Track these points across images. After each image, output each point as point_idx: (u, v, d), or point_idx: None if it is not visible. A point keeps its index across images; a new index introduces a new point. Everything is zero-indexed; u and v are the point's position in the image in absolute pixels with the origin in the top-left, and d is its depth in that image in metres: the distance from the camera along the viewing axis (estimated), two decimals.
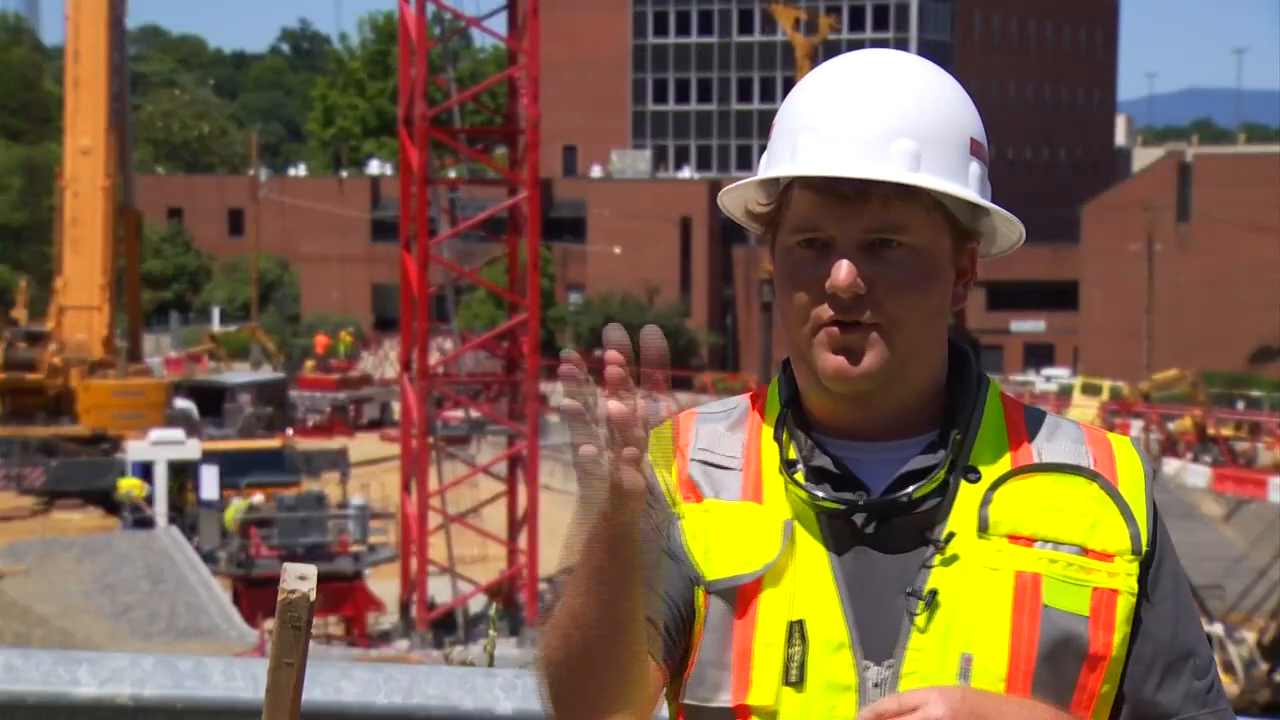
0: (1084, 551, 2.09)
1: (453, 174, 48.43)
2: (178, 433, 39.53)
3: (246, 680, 4.15)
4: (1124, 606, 2.10)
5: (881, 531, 2.10)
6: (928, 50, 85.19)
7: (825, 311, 2.08)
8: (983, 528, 2.09)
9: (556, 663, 2.04)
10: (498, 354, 36.32)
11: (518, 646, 27.64)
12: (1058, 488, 2.12)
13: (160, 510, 36.88)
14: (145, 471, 37.22)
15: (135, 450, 37.90)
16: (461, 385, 36.65)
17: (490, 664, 4.88)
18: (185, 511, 36.65)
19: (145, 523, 35.91)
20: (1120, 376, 62.44)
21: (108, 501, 38.73)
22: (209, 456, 37.59)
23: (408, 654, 29.22)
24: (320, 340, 67.43)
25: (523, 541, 32.74)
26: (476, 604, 33.09)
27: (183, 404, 45.83)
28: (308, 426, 54.34)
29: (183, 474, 37.20)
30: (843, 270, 2.06)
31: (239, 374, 58.53)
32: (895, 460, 2.12)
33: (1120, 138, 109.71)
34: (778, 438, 2.16)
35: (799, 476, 2.12)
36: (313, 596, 2.06)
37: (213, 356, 65.80)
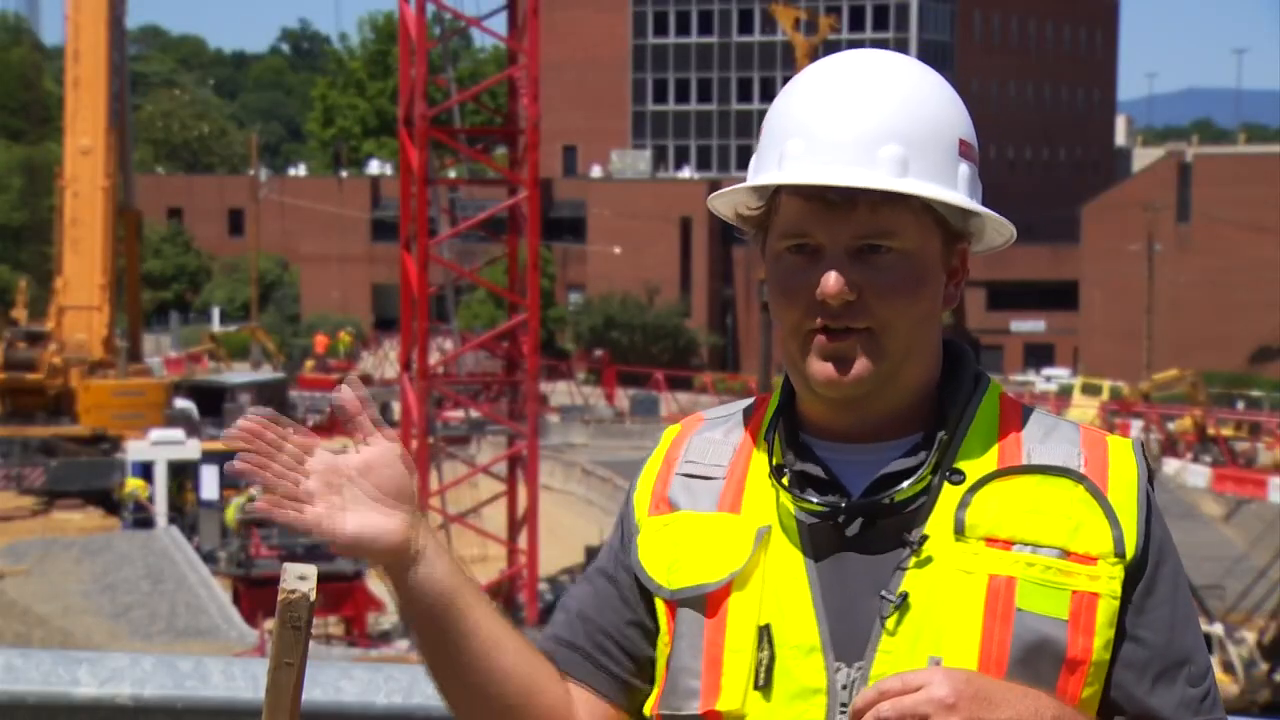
0: (1065, 554, 2.07)
1: (453, 174, 48.42)
2: (178, 433, 39.52)
3: (246, 680, 4.15)
4: (1105, 610, 2.08)
5: (865, 534, 2.10)
6: (928, 50, 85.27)
7: (816, 319, 2.08)
8: (959, 530, 2.08)
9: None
10: (498, 354, 36.30)
11: None
12: (1042, 489, 2.10)
13: (160, 510, 36.88)
14: (145, 471, 37.22)
15: (135, 450, 37.89)
16: (461, 385, 36.64)
17: None
18: (185, 511, 36.65)
19: (145, 523, 35.90)
20: (1120, 376, 62.44)
21: (108, 501, 38.73)
22: (209, 456, 37.56)
23: (408, 654, 29.20)
24: (320, 340, 67.47)
25: (523, 541, 32.73)
26: None
27: (183, 404, 45.82)
28: (308, 426, 54.28)
29: (183, 474, 37.19)
30: (831, 280, 2.06)
31: (239, 374, 58.54)
32: (878, 462, 2.12)
33: (1120, 138, 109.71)
34: (768, 440, 2.17)
35: (785, 481, 2.13)
36: (313, 596, 2.06)
37: (213, 356, 65.81)
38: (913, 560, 2.07)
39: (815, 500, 2.10)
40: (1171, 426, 52.63)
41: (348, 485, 2.10)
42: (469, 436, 37.89)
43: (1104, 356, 71.17)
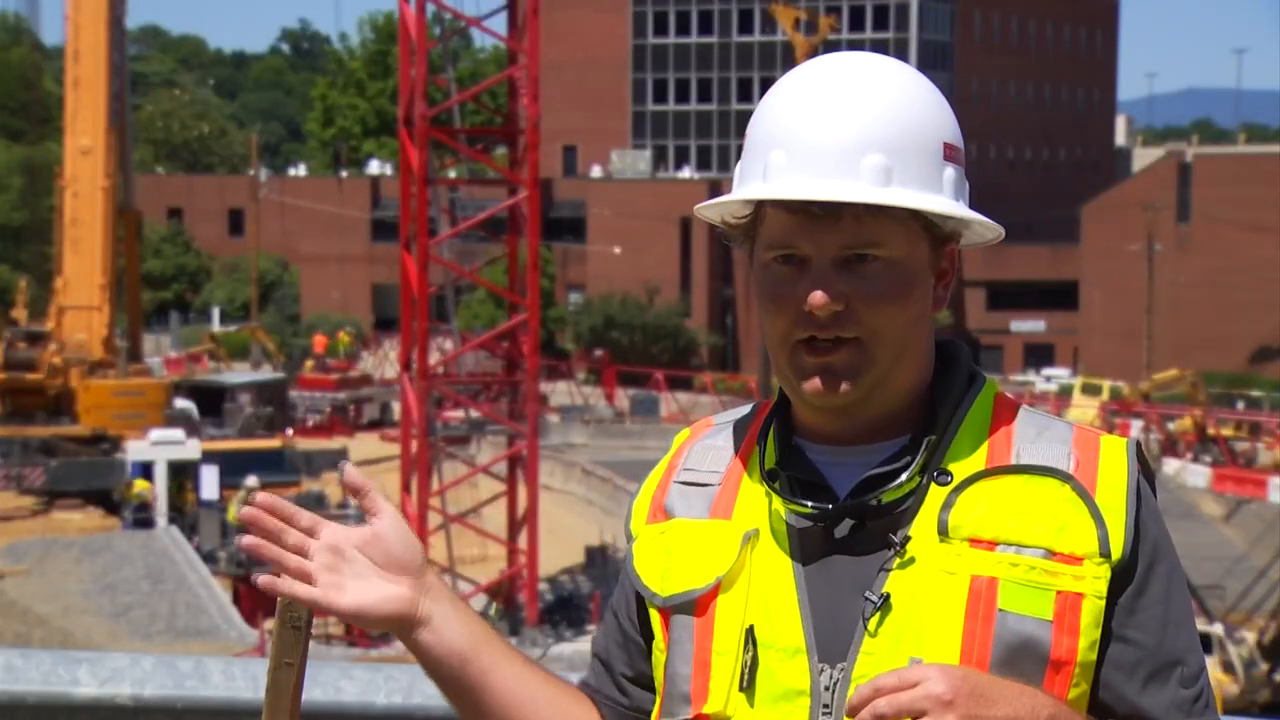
0: (1050, 554, 2.06)
1: (453, 174, 48.42)
2: (178, 433, 39.52)
3: (246, 680, 4.15)
4: (1090, 610, 2.07)
5: (853, 536, 2.10)
6: (928, 50, 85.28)
7: (803, 330, 2.09)
8: (942, 531, 2.08)
9: None
10: (498, 354, 36.30)
11: (518, 646, 27.63)
12: (1028, 490, 2.10)
13: (160, 510, 36.88)
14: (145, 471, 37.21)
15: (135, 450, 37.89)
16: (461, 385, 36.64)
17: None
18: (185, 511, 36.64)
19: (145, 523, 35.91)
20: (1120, 376, 62.44)
21: (108, 501, 38.73)
22: (209, 456, 37.58)
23: (408, 654, 29.19)
24: (319, 340, 67.44)
25: (523, 541, 32.72)
26: (476, 604, 33.07)
27: (183, 404, 45.82)
28: (308, 426, 54.34)
29: (183, 474, 37.18)
30: (818, 296, 2.06)
31: (239, 374, 58.54)
32: (867, 464, 2.13)
33: (1120, 138, 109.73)
34: (760, 445, 2.18)
35: (776, 485, 2.14)
36: None
37: (213, 356, 65.81)
38: (896, 561, 2.07)
39: (800, 502, 2.11)
40: (1171, 426, 52.63)
41: (351, 561, 2.12)
42: (469, 436, 37.89)
43: (1104, 356, 71.17)
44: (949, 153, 2.13)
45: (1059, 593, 2.06)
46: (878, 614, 2.06)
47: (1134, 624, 2.10)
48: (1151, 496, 2.15)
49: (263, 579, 2.10)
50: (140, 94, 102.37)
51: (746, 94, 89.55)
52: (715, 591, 2.12)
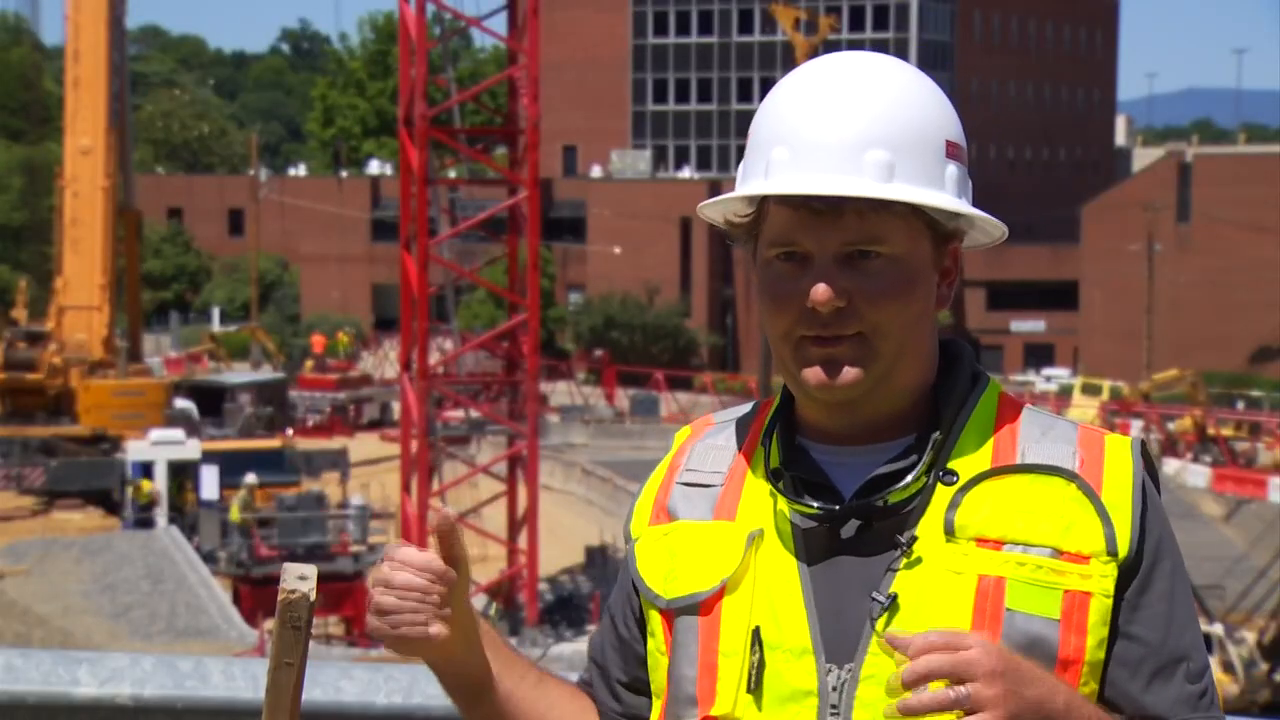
0: (1057, 553, 2.07)
1: (453, 174, 48.43)
2: (178, 433, 39.51)
3: (246, 680, 4.15)
4: (1098, 609, 2.07)
5: (859, 536, 2.10)
6: (928, 50, 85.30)
7: (807, 326, 2.09)
8: (949, 531, 2.08)
9: None
10: (498, 354, 36.30)
11: (518, 646, 27.62)
12: (1034, 489, 2.10)
13: (160, 510, 36.87)
14: (145, 471, 37.21)
15: (135, 450, 37.88)
16: (461, 385, 36.64)
17: None
18: (185, 511, 36.63)
19: (146, 523, 35.91)
20: (1120, 376, 62.44)
21: (108, 501, 38.73)
22: (209, 456, 37.57)
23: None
24: (317, 340, 67.41)
25: (523, 541, 32.72)
26: (477, 604, 32.98)
27: (183, 404, 45.81)
28: (308, 426, 54.34)
29: (183, 474, 37.18)
30: (820, 290, 2.06)
31: (239, 374, 58.53)
32: (875, 464, 2.12)
33: (1120, 138, 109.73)
34: (764, 445, 2.17)
35: (776, 486, 2.13)
36: (313, 596, 2.05)
37: (213, 356, 65.81)
38: (903, 561, 2.07)
39: (808, 503, 2.11)
40: (1171, 426, 52.63)
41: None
42: (469, 436, 37.87)
43: (1104, 356, 71.17)
44: (951, 150, 2.13)
45: (1066, 591, 2.06)
46: (885, 614, 2.06)
47: (1139, 621, 2.11)
48: (1156, 495, 2.15)
49: (384, 630, 2.11)
50: (140, 94, 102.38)
51: (746, 94, 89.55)
52: (721, 593, 2.12)
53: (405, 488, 33.20)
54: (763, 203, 2.13)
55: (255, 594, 30.79)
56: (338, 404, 57.67)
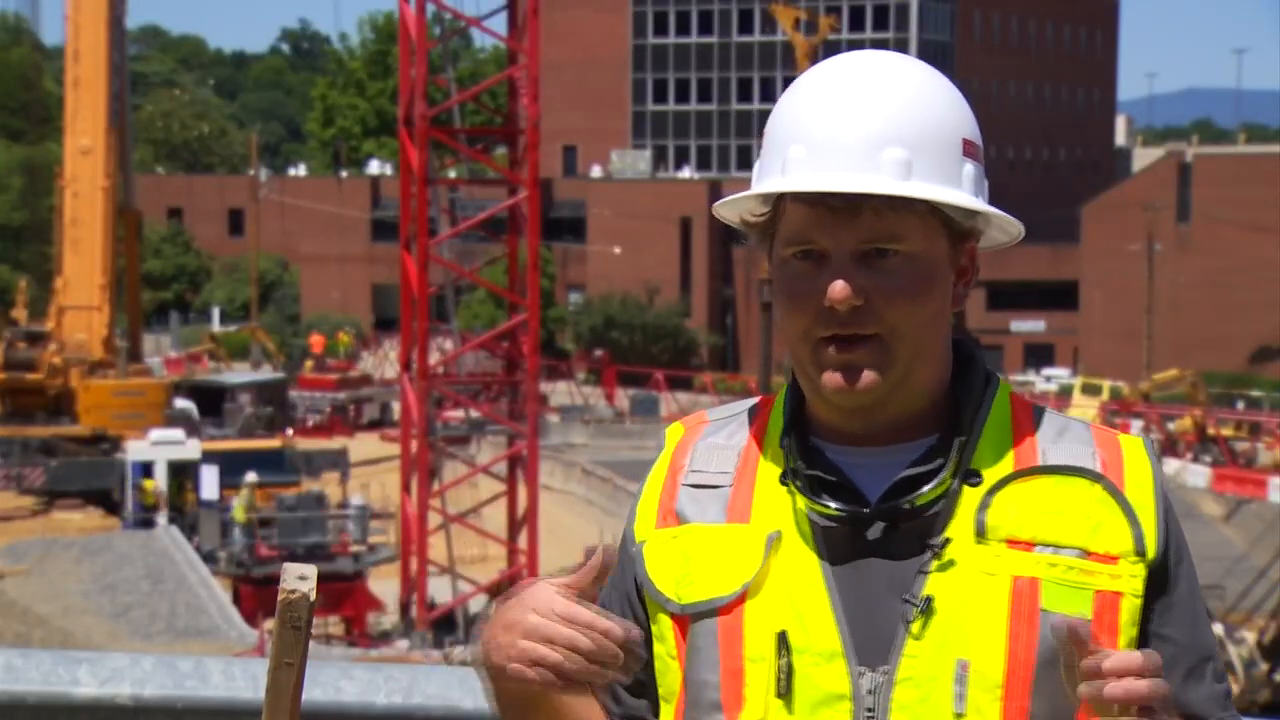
0: (1086, 554, 2.07)
1: (453, 174, 48.43)
2: (178, 433, 39.50)
3: (246, 680, 4.15)
4: (1128, 609, 2.08)
5: (884, 538, 2.09)
6: (928, 50, 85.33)
7: (824, 326, 2.07)
8: (980, 532, 2.07)
9: None
10: (498, 354, 36.30)
11: None
12: (1060, 490, 2.10)
13: (160, 510, 36.86)
14: (145, 471, 37.20)
15: (135, 450, 37.87)
16: (461, 385, 36.63)
17: None
18: (185, 511, 36.63)
19: (146, 523, 35.90)
20: (1120, 376, 62.45)
21: (108, 501, 38.73)
22: (209, 456, 37.56)
23: (408, 654, 29.21)
24: (316, 340, 67.42)
25: (523, 541, 32.72)
26: (477, 604, 33.10)
27: (183, 404, 45.80)
28: (308, 426, 54.34)
29: (183, 474, 37.16)
30: (838, 288, 2.05)
31: (239, 374, 58.53)
32: (896, 465, 2.11)
33: (1120, 138, 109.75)
34: (783, 446, 2.15)
35: (796, 486, 2.12)
36: (313, 596, 2.05)
37: (213, 356, 65.81)
38: (934, 564, 2.07)
39: (834, 506, 2.09)
40: (1171, 426, 52.64)
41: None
42: (469, 436, 37.86)
43: (1104, 356, 71.19)
44: (968, 149, 2.13)
45: (1097, 592, 2.07)
46: (921, 617, 2.05)
47: (1169, 621, 2.12)
48: (1168, 494, 2.17)
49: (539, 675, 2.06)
50: (140, 94, 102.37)
51: (746, 94, 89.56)
52: (743, 597, 2.09)
53: (405, 488, 33.19)
54: (779, 201, 2.13)
55: (255, 594, 30.79)
56: (338, 404, 57.68)
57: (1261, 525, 42.08)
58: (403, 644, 31.26)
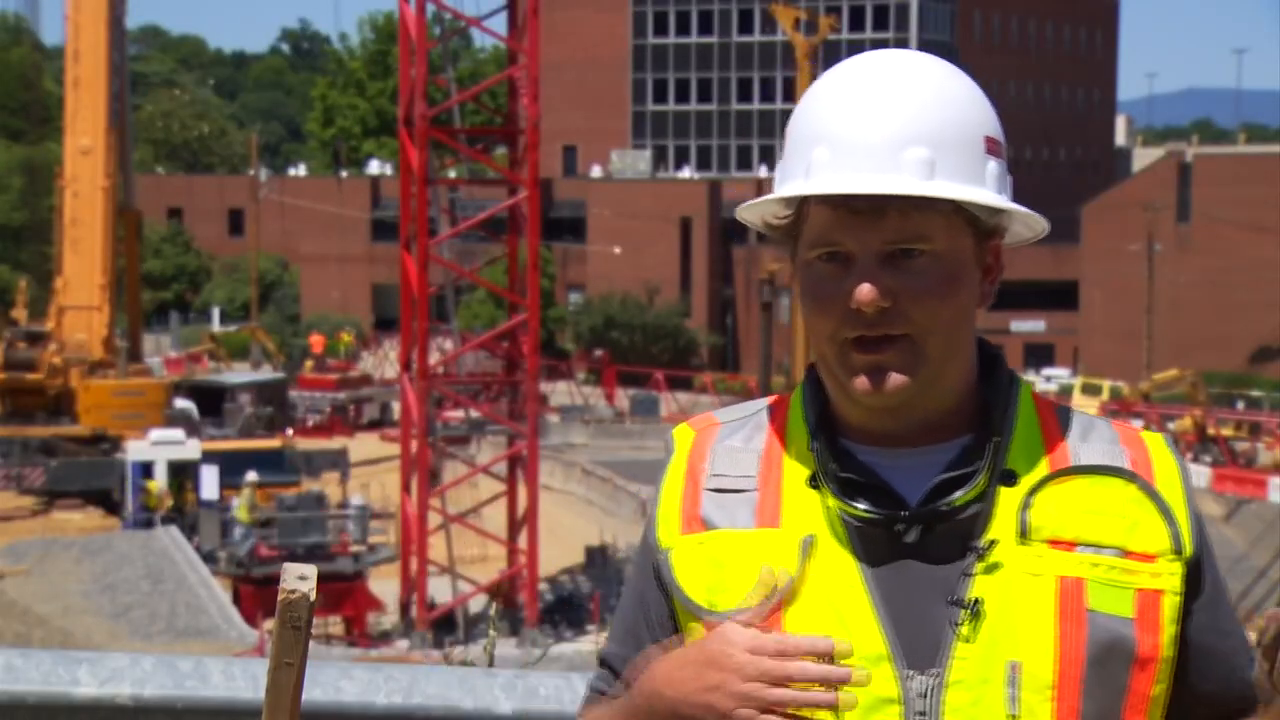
0: (1125, 554, 2.08)
1: (453, 174, 48.44)
2: (178, 433, 39.49)
3: (246, 680, 4.15)
4: (1169, 607, 2.09)
5: (923, 540, 2.08)
6: (927, 50, 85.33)
7: (851, 327, 2.06)
8: (1023, 533, 2.07)
9: None
10: (498, 354, 36.33)
11: (518, 646, 27.66)
12: (1096, 490, 2.11)
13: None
14: (145, 471, 37.19)
15: (135, 450, 37.87)
16: (461, 385, 36.65)
17: (490, 664, 4.88)
18: (185, 511, 36.62)
19: (146, 523, 35.89)
20: (1120, 376, 62.46)
21: (108, 501, 38.72)
22: (209, 456, 37.55)
23: (408, 654, 29.21)
24: (316, 340, 67.41)
25: (523, 541, 32.74)
26: (476, 604, 33.10)
27: (183, 404, 45.78)
28: (308, 426, 54.33)
29: (183, 474, 37.16)
30: (864, 290, 2.04)
31: (239, 374, 58.53)
32: (930, 466, 2.10)
33: (1120, 138, 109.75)
34: (812, 449, 2.13)
35: (830, 490, 2.10)
36: (313, 596, 2.05)
37: (213, 356, 65.81)
38: (979, 565, 2.06)
39: (870, 508, 2.08)
40: (1171, 426, 52.63)
41: None
42: (469, 436, 37.89)
43: (1104, 356, 71.19)
44: (991, 146, 2.12)
45: (1138, 590, 2.08)
46: (970, 619, 2.04)
47: (1221, 615, 2.18)
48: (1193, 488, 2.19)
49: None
50: (140, 94, 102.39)
51: (746, 94, 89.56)
52: (780, 604, 2.07)
53: (405, 488, 33.21)
54: (802, 204, 2.12)
55: (255, 594, 30.78)
56: (338, 404, 57.68)
57: (1261, 525, 42.08)
58: (403, 644, 31.27)
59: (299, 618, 2.05)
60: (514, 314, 34.03)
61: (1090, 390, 56.96)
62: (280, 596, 2.04)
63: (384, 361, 66.08)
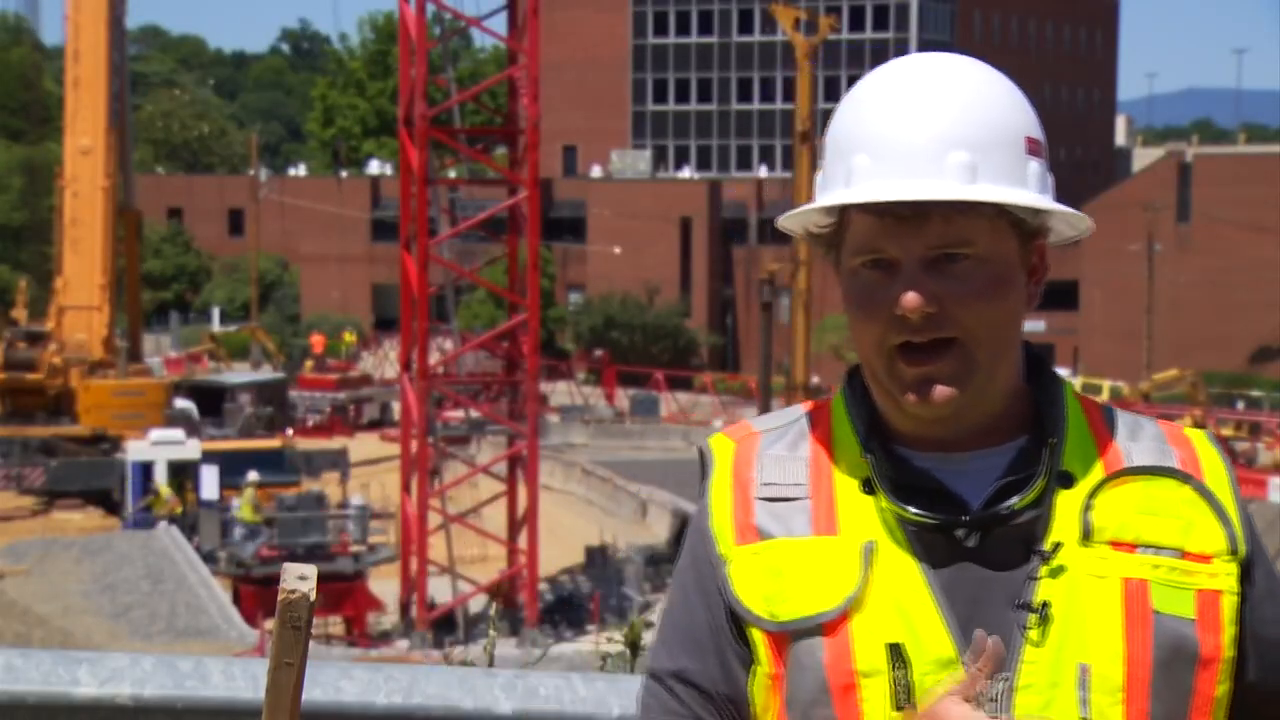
0: (1183, 554, 2.09)
1: (453, 174, 48.44)
2: (178, 433, 39.48)
3: (246, 680, 4.15)
4: (1228, 606, 2.09)
5: (984, 543, 2.08)
6: (928, 50, 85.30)
7: (898, 334, 2.06)
8: (1086, 535, 2.07)
9: None
10: (498, 354, 36.33)
11: (518, 646, 27.65)
12: (1151, 491, 2.11)
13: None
14: (145, 471, 37.18)
15: (135, 450, 37.87)
16: (461, 385, 36.66)
17: (490, 664, 4.88)
18: (185, 511, 36.62)
19: (146, 522, 35.87)
20: (1120, 376, 62.47)
21: (108, 501, 38.71)
22: (209, 456, 37.54)
23: (408, 654, 29.21)
24: (316, 340, 67.40)
25: (523, 541, 32.73)
26: (476, 604, 33.10)
27: (183, 404, 45.78)
28: (308, 426, 54.32)
29: (183, 474, 37.16)
30: (910, 298, 2.04)
31: (239, 374, 58.52)
32: (986, 469, 2.10)
33: (1120, 138, 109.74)
34: (866, 456, 2.12)
35: (888, 496, 2.09)
36: (313, 596, 2.04)
37: (213, 356, 65.80)
38: (1044, 569, 2.06)
39: (930, 514, 2.07)
40: None
41: None
42: (469, 436, 37.90)
43: (1104, 356, 71.19)
44: (1032, 147, 2.11)
45: (1198, 591, 2.08)
46: (1039, 623, 2.04)
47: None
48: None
49: None
50: (140, 94, 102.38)
51: (746, 94, 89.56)
52: (846, 613, 2.06)
53: (405, 488, 33.21)
54: (844, 211, 2.11)
55: (255, 594, 30.77)
56: (338, 404, 57.68)
57: (1262, 525, 41.97)
58: (403, 644, 31.27)
59: (299, 618, 2.05)
60: (514, 314, 34.03)
61: (1090, 390, 56.92)
62: (280, 596, 2.04)
63: (384, 361, 66.07)
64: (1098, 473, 2.11)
